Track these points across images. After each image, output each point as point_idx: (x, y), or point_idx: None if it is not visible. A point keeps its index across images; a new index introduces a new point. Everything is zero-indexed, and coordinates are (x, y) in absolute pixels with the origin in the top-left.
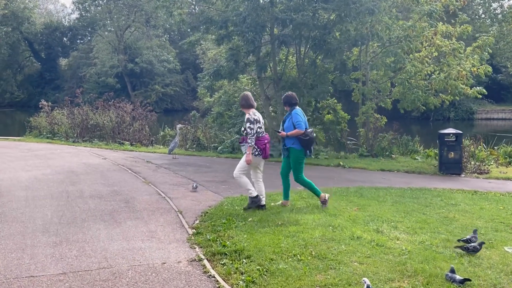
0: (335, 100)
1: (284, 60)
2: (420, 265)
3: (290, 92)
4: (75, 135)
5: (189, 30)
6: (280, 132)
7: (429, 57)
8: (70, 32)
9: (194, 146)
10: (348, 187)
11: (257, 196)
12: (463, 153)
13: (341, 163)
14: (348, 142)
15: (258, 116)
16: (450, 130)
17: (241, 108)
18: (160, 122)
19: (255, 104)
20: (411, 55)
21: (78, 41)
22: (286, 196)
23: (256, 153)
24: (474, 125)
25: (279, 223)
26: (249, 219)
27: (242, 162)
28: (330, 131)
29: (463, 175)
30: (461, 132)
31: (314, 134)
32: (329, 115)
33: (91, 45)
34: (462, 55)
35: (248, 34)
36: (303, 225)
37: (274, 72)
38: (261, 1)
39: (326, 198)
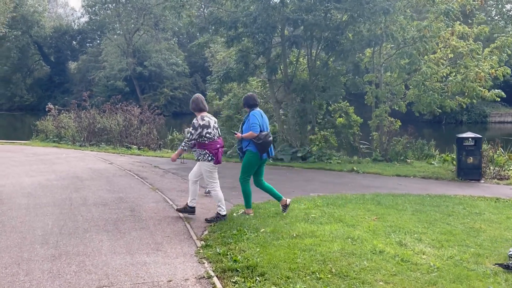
0: (347, 103)
1: (294, 62)
2: (453, 285)
3: (250, 93)
4: (82, 139)
5: (198, 33)
6: (236, 134)
7: (445, 58)
8: (80, 35)
9: None
10: (364, 194)
11: (225, 215)
12: (482, 158)
13: (354, 168)
14: (361, 146)
15: (208, 120)
16: (469, 134)
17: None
18: (169, 126)
19: (206, 107)
20: (425, 56)
21: (87, 44)
22: (277, 197)
23: (209, 158)
24: (487, 129)
25: (294, 235)
26: (261, 230)
27: (205, 174)
28: (342, 135)
29: (482, 181)
30: (480, 136)
31: (271, 138)
32: (341, 119)
33: (100, 49)
34: (480, 56)
35: (258, 35)
36: (319, 237)
37: (285, 74)
38: (272, 1)
39: (288, 202)
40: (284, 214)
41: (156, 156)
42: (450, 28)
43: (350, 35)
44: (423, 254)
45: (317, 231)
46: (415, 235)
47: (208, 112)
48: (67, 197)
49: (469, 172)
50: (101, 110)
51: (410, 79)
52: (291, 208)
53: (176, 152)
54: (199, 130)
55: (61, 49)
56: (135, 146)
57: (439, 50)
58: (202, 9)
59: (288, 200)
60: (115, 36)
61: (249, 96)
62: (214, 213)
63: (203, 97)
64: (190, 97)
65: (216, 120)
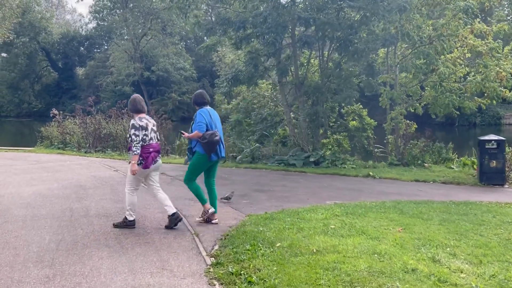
0: (360, 106)
1: (305, 64)
2: None
3: (199, 91)
4: (87, 145)
5: (205, 37)
6: (183, 134)
7: (462, 58)
8: (87, 41)
9: None
10: (384, 202)
11: (133, 220)
12: (505, 161)
13: (370, 173)
14: (375, 150)
15: (146, 122)
16: (492, 137)
17: (130, 112)
18: (177, 131)
19: (145, 108)
20: (442, 56)
21: (95, 50)
22: (212, 203)
23: (138, 162)
24: (502, 131)
25: (314, 250)
26: (277, 245)
27: (128, 174)
28: (355, 139)
29: (506, 186)
30: (503, 138)
31: (217, 137)
32: (354, 122)
33: (108, 54)
34: (500, 55)
35: (269, 35)
36: (342, 252)
37: (296, 76)
38: (282, 0)
39: (210, 212)
40: (215, 222)
41: (163, 162)
42: (469, 26)
43: (364, 34)
44: (461, 272)
45: (339, 245)
46: (448, 248)
47: (146, 115)
48: (68, 208)
49: (492, 176)
50: (107, 115)
51: (427, 79)
52: (308, 219)
53: (133, 161)
54: (141, 131)
55: (68, 55)
56: None
57: (455, 49)
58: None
59: (211, 210)
60: (122, 41)
61: (197, 94)
62: (228, 225)
63: (141, 98)
64: None
65: (155, 123)
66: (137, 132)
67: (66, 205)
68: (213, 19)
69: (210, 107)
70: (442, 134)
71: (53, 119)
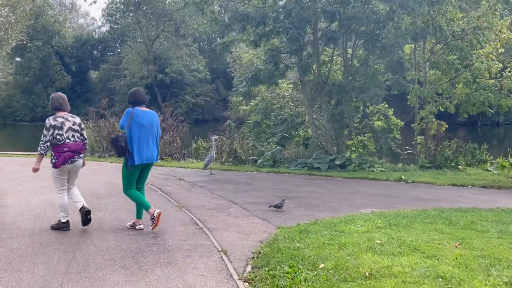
0: (386, 105)
1: (327, 62)
2: None
3: (133, 89)
4: (101, 149)
5: (218, 38)
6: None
7: (494, 53)
8: (100, 44)
9: (231, 159)
10: (425, 210)
11: (66, 222)
12: None
13: (402, 177)
14: (404, 151)
15: (62, 121)
16: None
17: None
18: (191, 134)
19: (64, 107)
20: (474, 51)
21: (108, 53)
22: (145, 206)
23: (53, 161)
24: None
25: (366, 274)
26: (321, 266)
27: (51, 176)
28: (382, 140)
29: None
30: None
31: (120, 143)
32: (380, 122)
33: (121, 57)
34: None
35: (292, 30)
36: (400, 276)
37: (318, 74)
38: None
39: (155, 214)
40: (153, 229)
41: (180, 167)
42: (507, 18)
43: (392, 29)
44: None
45: (393, 266)
46: None
47: (67, 113)
48: (80, 220)
49: None
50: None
51: (458, 76)
52: (348, 232)
53: (36, 160)
54: (51, 130)
55: (82, 58)
56: None
57: (488, 44)
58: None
59: (157, 211)
60: (136, 44)
61: (130, 92)
62: (259, 239)
63: (61, 96)
64: (212, 104)
65: (78, 122)
66: (45, 132)
67: (77, 216)
68: (226, 19)
69: (147, 109)
70: (465, 134)
71: None
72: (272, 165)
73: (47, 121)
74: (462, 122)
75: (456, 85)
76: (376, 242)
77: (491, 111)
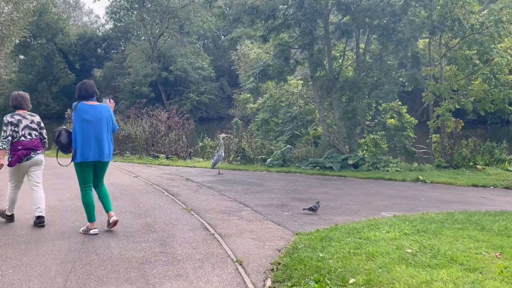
0: (399, 102)
1: (339, 57)
2: None
3: (80, 82)
4: None
5: (223, 34)
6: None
7: None
8: (104, 42)
9: (239, 158)
10: (452, 213)
11: (11, 215)
12: None
13: (420, 177)
14: (418, 150)
15: (19, 119)
16: None
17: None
18: (196, 132)
19: (23, 105)
20: (492, 45)
21: (112, 51)
22: (89, 217)
23: (9, 158)
24: None
25: None
26: (351, 281)
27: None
28: (395, 138)
29: None
30: None
31: (61, 138)
32: (392, 120)
33: (125, 54)
34: None
35: (305, 22)
36: None
37: (330, 70)
38: None
39: (92, 232)
40: (108, 228)
41: (186, 166)
42: None
43: (407, 22)
44: None
45: (433, 281)
46: None
47: (26, 111)
48: (81, 225)
49: None
50: (125, 115)
51: (477, 72)
52: (373, 239)
53: (0, 156)
54: (9, 126)
55: (86, 56)
56: (162, 155)
57: (506, 38)
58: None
59: (94, 231)
60: (140, 42)
61: (77, 86)
62: (276, 248)
63: (21, 94)
64: (216, 102)
65: (37, 120)
66: (4, 128)
67: (78, 221)
68: (231, 18)
69: (96, 102)
70: (475, 132)
71: (68, 120)
72: (282, 164)
73: (4, 118)
74: (471, 120)
75: (473, 81)
76: (407, 252)
77: (510, 108)
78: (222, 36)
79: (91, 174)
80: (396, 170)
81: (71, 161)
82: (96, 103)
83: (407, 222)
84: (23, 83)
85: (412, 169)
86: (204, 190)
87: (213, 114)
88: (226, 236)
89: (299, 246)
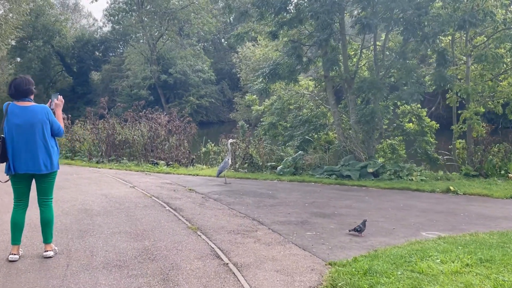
0: (419, 105)
1: (353, 56)
2: None
3: (14, 78)
4: (100, 153)
5: (223, 39)
6: None
7: None
8: (102, 45)
9: (246, 165)
10: (507, 233)
11: None
12: None
13: (451, 188)
14: (440, 157)
15: None
16: None
17: None
18: (202, 136)
19: None
20: None
21: (110, 54)
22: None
23: None
24: None
25: None
26: None
27: None
28: (415, 144)
29: None
30: None
31: None
32: (411, 124)
33: (123, 57)
34: None
35: (323, 15)
36: None
37: (345, 69)
38: None
39: (13, 258)
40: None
41: (189, 174)
42: None
43: (435, 14)
44: None
45: None
46: None
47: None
48: (64, 250)
49: None
50: (122, 119)
51: (508, 71)
52: (429, 273)
53: None
54: None
55: (83, 59)
56: (162, 162)
57: None
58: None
59: (11, 257)
60: (138, 44)
61: (10, 83)
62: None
63: None
64: (217, 105)
65: None
66: None
67: (62, 244)
68: (231, 19)
69: (30, 103)
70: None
71: None
72: (294, 172)
73: None
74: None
75: (502, 82)
76: (467, 282)
77: None
78: (223, 39)
79: (25, 189)
80: (421, 179)
81: (4, 172)
82: (29, 103)
83: (459, 247)
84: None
85: (439, 178)
86: (210, 203)
87: (213, 118)
88: (243, 267)
89: (339, 284)
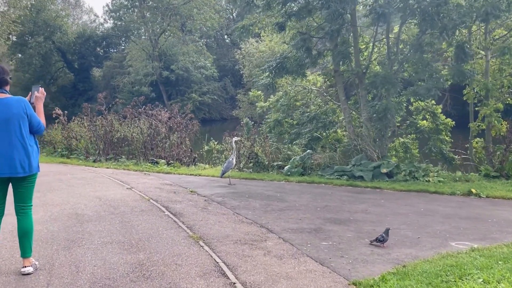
0: (433, 101)
1: (363, 49)
2: None
3: None
4: (97, 151)
5: (225, 35)
6: None
7: None
8: (104, 41)
9: (251, 164)
10: None
11: None
12: None
13: (473, 190)
14: (456, 156)
15: None
16: None
17: None
18: (204, 134)
19: None
20: None
21: (112, 50)
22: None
23: None
24: None
25: None
26: None
27: None
28: (429, 142)
29: None
30: None
31: None
32: (425, 121)
33: (125, 53)
34: None
35: (334, 3)
36: None
37: (357, 63)
38: None
39: None
40: None
41: (191, 174)
42: None
43: (455, 4)
44: None
45: None
46: None
47: None
48: (46, 264)
49: None
50: (121, 115)
51: None
52: None
53: None
54: None
55: (85, 55)
56: (163, 161)
57: None
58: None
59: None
60: (140, 40)
61: None
62: None
63: None
64: (219, 102)
65: None
66: None
67: (45, 257)
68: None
69: (5, 94)
70: None
71: (56, 120)
72: (302, 172)
73: None
74: None
75: None
76: None
77: None
78: (225, 36)
79: (1, 192)
80: (439, 181)
81: None
82: (4, 95)
83: (500, 262)
84: (19, 82)
85: (457, 179)
86: (214, 208)
87: (215, 115)
88: (253, 285)
89: None
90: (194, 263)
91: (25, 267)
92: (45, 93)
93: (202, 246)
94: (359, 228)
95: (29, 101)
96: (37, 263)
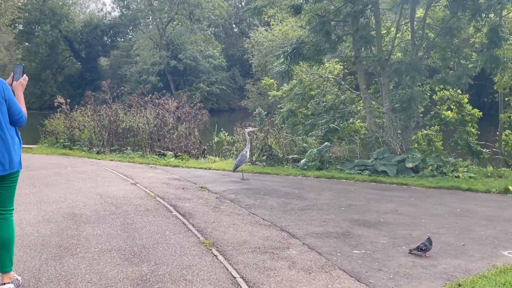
0: (459, 91)
1: (385, 35)
2: None
3: None
4: (101, 142)
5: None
6: None
7: None
8: (111, 30)
9: (264, 157)
10: None
11: None
12: None
13: (510, 187)
14: (484, 150)
15: None
16: None
17: None
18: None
19: None
20: None
21: (119, 39)
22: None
23: None
24: None
25: None
26: None
27: None
28: (455, 135)
29: None
30: None
31: None
32: (450, 112)
33: (132, 42)
34: None
35: None
36: None
37: (379, 49)
38: None
39: None
40: None
41: (200, 168)
42: None
43: None
44: None
45: None
46: None
47: None
48: (31, 279)
49: None
50: (127, 104)
51: None
52: None
53: None
54: None
55: (92, 44)
56: (170, 153)
57: None
58: None
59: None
60: (148, 29)
61: None
62: None
63: None
64: (227, 92)
65: None
66: None
67: (32, 269)
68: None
69: None
70: None
71: (58, 109)
72: (320, 166)
73: None
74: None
75: None
76: None
77: None
78: (234, 24)
79: None
80: (470, 177)
81: None
82: None
83: None
84: (26, 71)
85: (489, 174)
86: (226, 206)
87: (224, 105)
88: None
89: None
90: (207, 279)
91: (4, 284)
92: (27, 79)
93: (215, 256)
94: (393, 233)
95: (10, 84)
96: (19, 278)
